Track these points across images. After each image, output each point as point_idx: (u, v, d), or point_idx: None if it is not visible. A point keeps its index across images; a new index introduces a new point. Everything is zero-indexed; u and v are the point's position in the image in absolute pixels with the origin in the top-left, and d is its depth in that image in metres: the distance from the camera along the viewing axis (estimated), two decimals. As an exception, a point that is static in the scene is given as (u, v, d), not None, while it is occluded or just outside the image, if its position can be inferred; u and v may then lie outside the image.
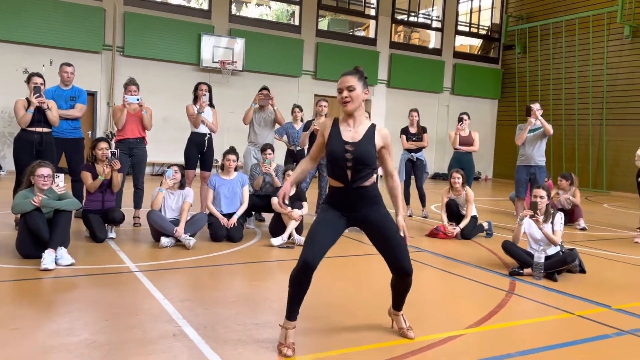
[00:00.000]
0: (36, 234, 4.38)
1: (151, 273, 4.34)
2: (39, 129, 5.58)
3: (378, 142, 2.89)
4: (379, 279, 4.70)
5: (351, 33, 17.84)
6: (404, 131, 8.29)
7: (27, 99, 5.58)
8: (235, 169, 6.07)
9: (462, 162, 7.74)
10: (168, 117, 13.30)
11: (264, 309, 3.67)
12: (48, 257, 4.23)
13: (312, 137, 6.97)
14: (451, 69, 18.24)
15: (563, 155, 16.78)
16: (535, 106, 7.14)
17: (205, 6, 14.67)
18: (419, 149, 8.23)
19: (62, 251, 4.37)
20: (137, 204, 6.40)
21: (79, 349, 2.76)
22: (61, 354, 2.70)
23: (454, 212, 6.79)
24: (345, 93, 2.83)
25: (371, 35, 17.18)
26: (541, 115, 7.13)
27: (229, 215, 5.83)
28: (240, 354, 2.84)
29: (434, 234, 6.61)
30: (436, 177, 17.54)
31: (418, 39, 18.79)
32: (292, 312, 2.93)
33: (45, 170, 4.53)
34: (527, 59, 18.17)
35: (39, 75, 5.66)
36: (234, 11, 15.02)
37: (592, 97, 16.30)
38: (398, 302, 3.19)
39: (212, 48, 14.07)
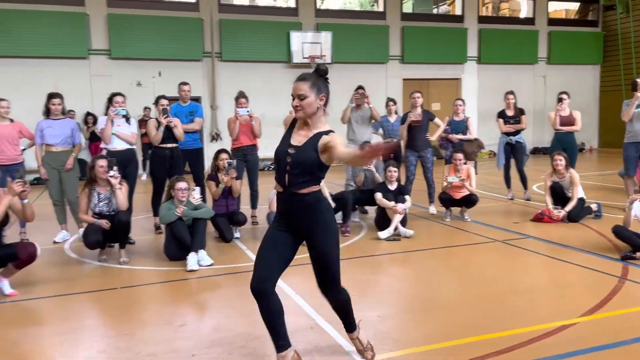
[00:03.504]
0: (180, 240, 5.11)
1: (278, 270, 4.90)
2: (169, 145, 6.37)
3: (320, 145, 2.67)
4: (485, 269, 4.94)
5: (436, 9, 17.59)
6: (501, 114, 8.28)
7: (156, 119, 6.38)
8: None
9: (563, 142, 7.61)
10: (265, 114, 14.04)
11: (383, 302, 4.08)
12: (192, 260, 4.94)
13: (410, 130, 7.24)
14: (546, 38, 17.42)
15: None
16: (642, 80, 6.86)
17: (292, 4, 15.20)
18: (517, 132, 8.20)
19: (202, 253, 5.07)
20: (254, 205, 7.07)
21: (238, 342, 3.33)
22: (225, 347, 3.28)
23: (558, 195, 6.76)
24: (295, 101, 2.69)
25: (457, 11, 16.85)
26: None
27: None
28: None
29: (538, 218, 6.65)
30: (535, 151, 16.96)
31: (508, 9, 18.10)
32: (276, 342, 2.84)
33: (182, 184, 5.26)
34: (631, 18, 16.88)
35: (165, 97, 6.44)
36: (319, 5, 15.42)
37: None
38: (345, 323, 3.06)
39: (301, 44, 14.62)
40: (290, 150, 2.72)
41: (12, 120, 6.28)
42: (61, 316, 3.97)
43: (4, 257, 4.27)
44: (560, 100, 7.73)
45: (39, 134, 6.11)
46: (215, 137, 14.30)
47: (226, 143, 12.02)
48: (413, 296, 4.21)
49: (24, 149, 6.53)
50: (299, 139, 2.75)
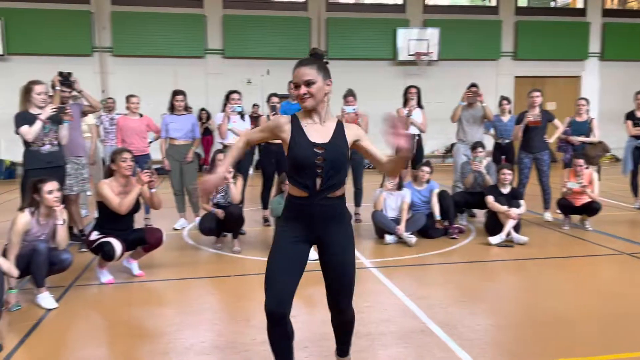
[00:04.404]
0: (289, 234, 5.26)
1: (384, 269, 4.86)
2: (278, 141, 6.55)
3: (349, 138, 2.46)
4: (609, 283, 4.54)
5: (553, 2, 16.49)
6: (630, 116, 7.58)
7: (268, 116, 6.61)
8: (428, 181, 6.29)
9: None
10: (368, 113, 14.03)
11: (496, 310, 3.90)
12: (300, 254, 5.06)
13: (526, 131, 6.85)
14: (682, 31, 15.67)
15: None
16: None
17: (399, 0, 15.02)
18: (648, 135, 7.46)
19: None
20: (358, 202, 7.08)
21: (347, 338, 3.35)
22: (333, 342, 3.31)
23: (698, 206, 6.06)
24: (303, 89, 2.37)
25: (579, 5, 15.68)
26: None
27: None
28: (485, 353, 3.13)
29: (673, 231, 6.01)
30: (665, 157, 15.35)
31: (637, 1, 16.51)
32: None
33: (291, 180, 5.41)
34: None
35: (276, 95, 6.65)
36: (427, 1, 15.09)
37: None
38: (340, 344, 2.81)
39: (407, 41, 14.40)
40: (318, 150, 2.38)
41: (141, 115, 6.84)
42: (182, 298, 4.25)
43: (135, 241, 4.67)
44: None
45: (164, 128, 6.59)
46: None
47: (330, 140, 12.13)
48: (529, 307, 3.98)
49: (150, 142, 7.08)
50: (318, 135, 2.42)
